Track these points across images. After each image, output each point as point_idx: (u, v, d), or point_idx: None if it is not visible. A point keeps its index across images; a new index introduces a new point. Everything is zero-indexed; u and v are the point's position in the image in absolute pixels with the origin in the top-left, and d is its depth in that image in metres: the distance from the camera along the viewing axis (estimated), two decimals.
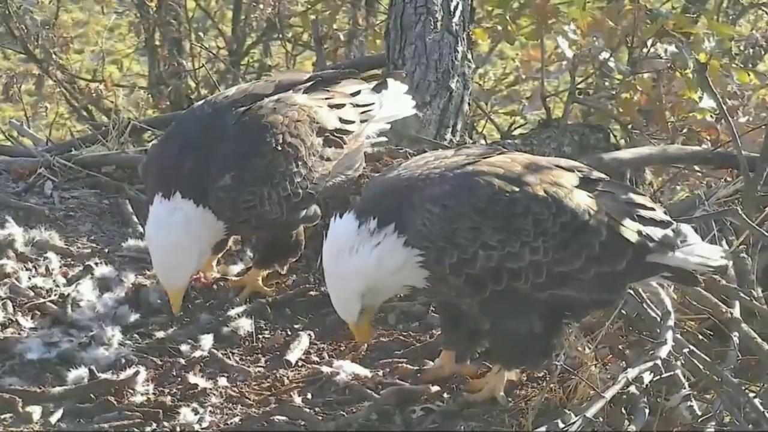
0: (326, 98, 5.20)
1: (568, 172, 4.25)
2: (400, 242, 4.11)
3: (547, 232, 4.10)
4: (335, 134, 5.12)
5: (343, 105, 5.20)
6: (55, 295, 5.06)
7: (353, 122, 5.19)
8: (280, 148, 4.90)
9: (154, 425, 4.26)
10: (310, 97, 5.16)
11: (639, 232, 4.20)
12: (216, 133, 4.89)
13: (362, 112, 5.24)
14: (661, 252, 4.24)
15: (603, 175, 4.37)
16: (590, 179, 4.28)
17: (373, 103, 5.30)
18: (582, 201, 4.15)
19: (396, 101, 5.44)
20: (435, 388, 4.42)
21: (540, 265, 4.10)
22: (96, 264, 5.26)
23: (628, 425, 4.14)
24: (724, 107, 5.62)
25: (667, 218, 4.32)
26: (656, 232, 4.23)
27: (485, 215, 4.07)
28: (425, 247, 4.09)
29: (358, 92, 5.29)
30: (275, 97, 5.07)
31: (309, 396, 4.45)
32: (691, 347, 4.50)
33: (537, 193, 4.11)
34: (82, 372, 4.52)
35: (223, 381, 4.56)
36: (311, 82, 5.24)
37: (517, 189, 4.10)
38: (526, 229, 4.09)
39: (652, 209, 4.31)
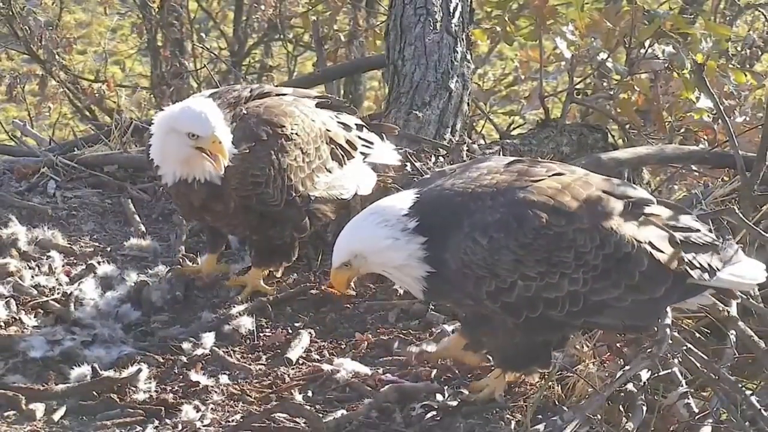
0: (335, 115, 5.32)
1: (616, 199, 4.20)
2: (418, 256, 4.13)
3: (588, 264, 4.11)
4: (339, 149, 5.22)
5: (350, 128, 5.32)
6: (58, 293, 5.10)
7: (356, 148, 5.30)
8: (294, 137, 5.00)
9: (156, 422, 4.30)
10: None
11: (681, 260, 4.19)
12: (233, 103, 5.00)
13: (363, 144, 5.35)
14: (703, 276, 4.24)
15: (649, 197, 4.34)
16: (637, 204, 4.25)
17: (373, 142, 5.41)
18: (628, 232, 4.14)
19: (386, 151, 5.52)
20: (434, 386, 4.45)
21: (578, 294, 4.12)
22: (98, 263, 5.30)
23: (626, 422, 4.15)
24: (721, 107, 5.63)
25: (712, 239, 4.31)
26: (699, 258, 4.24)
27: (529, 249, 4.08)
28: (464, 274, 4.09)
29: (361, 126, 5.40)
30: (292, 97, 5.22)
31: (310, 393, 4.49)
32: (689, 345, 4.49)
33: (583, 226, 4.11)
34: (84, 370, 4.56)
35: (224, 379, 4.59)
36: (320, 100, 5.36)
37: (564, 222, 4.09)
38: (567, 261, 4.10)
39: (698, 230, 4.29)
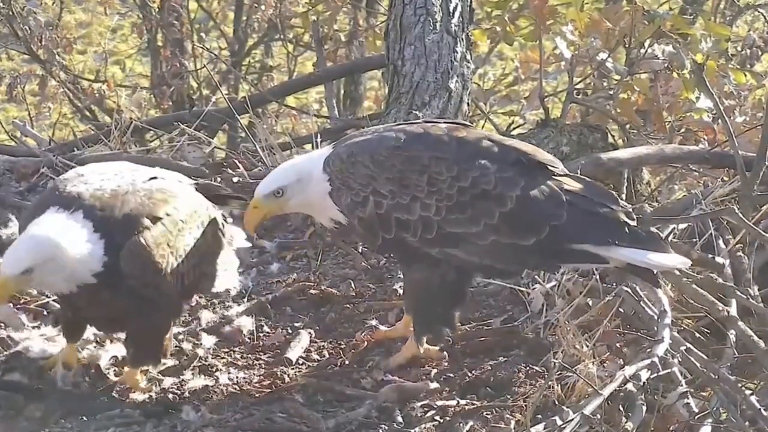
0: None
1: (496, 146, 4.33)
2: (326, 190, 4.38)
3: (442, 192, 4.25)
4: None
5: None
6: None
7: None
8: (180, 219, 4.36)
9: (156, 422, 4.29)
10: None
11: (559, 217, 4.24)
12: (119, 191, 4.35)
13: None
14: (598, 244, 4.26)
15: (565, 177, 4.38)
16: (536, 164, 4.33)
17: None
18: (497, 173, 4.25)
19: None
20: (434, 385, 4.46)
21: (430, 221, 4.26)
22: None
23: (626, 422, 4.15)
24: (721, 107, 5.64)
25: (624, 220, 4.30)
26: (594, 225, 4.26)
27: (381, 166, 4.28)
28: (337, 187, 4.34)
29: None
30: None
31: (310, 393, 4.48)
32: (688, 345, 4.52)
33: (443, 156, 4.27)
34: (84, 370, 4.54)
35: (224, 379, 4.59)
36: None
37: (422, 147, 4.28)
38: (420, 186, 4.26)
39: (605, 206, 4.31)
